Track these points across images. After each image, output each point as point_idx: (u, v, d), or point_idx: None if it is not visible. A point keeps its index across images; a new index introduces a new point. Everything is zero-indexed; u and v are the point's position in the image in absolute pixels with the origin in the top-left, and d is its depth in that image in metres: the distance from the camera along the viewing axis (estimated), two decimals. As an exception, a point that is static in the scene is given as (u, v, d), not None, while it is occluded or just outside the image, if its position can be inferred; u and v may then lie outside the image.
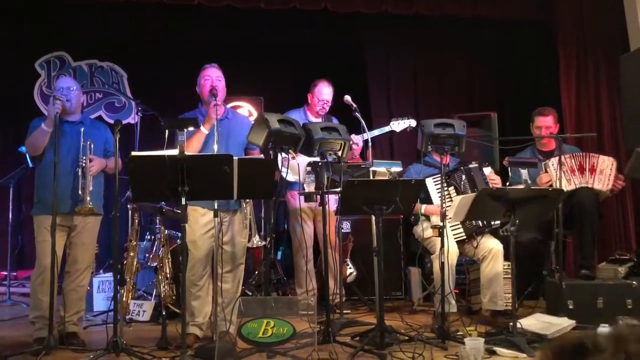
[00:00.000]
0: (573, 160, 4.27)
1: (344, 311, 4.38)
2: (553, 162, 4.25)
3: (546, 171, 4.29)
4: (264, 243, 3.78)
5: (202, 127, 3.65)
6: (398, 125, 4.80)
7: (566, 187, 4.08)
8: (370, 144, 4.51)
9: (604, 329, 3.10)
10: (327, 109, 4.71)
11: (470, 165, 4.26)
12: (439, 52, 6.49)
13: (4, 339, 3.37)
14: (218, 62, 5.90)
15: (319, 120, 4.65)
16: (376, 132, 4.77)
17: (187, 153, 3.06)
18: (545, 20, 5.83)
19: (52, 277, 3.47)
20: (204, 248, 3.69)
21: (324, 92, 4.68)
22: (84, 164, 3.69)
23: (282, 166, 3.89)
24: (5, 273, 5.64)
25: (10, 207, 5.48)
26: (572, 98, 5.57)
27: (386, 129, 4.80)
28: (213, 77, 3.81)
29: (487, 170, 4.30)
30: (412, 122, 4.79)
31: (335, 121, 4.67)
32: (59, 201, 3.53)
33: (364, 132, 4.51)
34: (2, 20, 6.21)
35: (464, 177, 4.21)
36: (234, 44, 6.37)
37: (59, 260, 3.66)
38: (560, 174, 4.07)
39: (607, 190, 4.24)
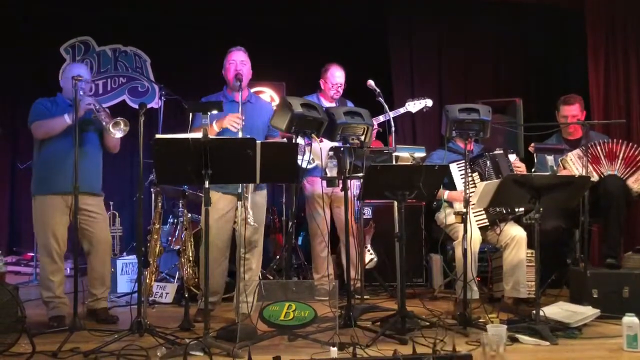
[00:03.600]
0: (599, 148, 4.17)
1: (364, 297, 4.38)
2: (571, 156, 4.17)
3: (564, 167, 4.20)
4: (254, 224, 3.76)
5: (214, 125, 3.65)
6: (414, 105, 4.75)
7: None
8: (392, 129, 4.47)
9: (629, 318, 3.06)
10: (341, 92, 4.68)
11: (495, 152, 4.20)
12: (463, 37, 6.39)
13: (30, 318, 3.43)
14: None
15: (333, 105, 4.62)
16: (391, 114, 4.72)
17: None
18: (573, 5, 5.71)
19: (75, 258, 3.55)
20: (220, 232, 3.71)
21: (337, 75, 4.65)
22: (97, 107, 3.71)
23: (300, 152, 3.87)
24: (31, 254, 5.76)
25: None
26: (601, 84, 5.46)
27: (401, 110, 4.76)
28: (238, 61, 3.83)
29: (512, 157, 4.24)
30: (429, 102, 4.75)
31: (349, 104, 4.64)
32: (64, 181, 3.59)
33: (386, 117, 4.47)
34: (27, 6, 6.27)
35: (488, 163, 4.15)
36: (255, 29, 6.36)
37: (65, 241, 3.75)
38: (585, 168, 3.97)
39: (637, 192, 4.14)
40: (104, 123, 3.67)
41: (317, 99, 4.69)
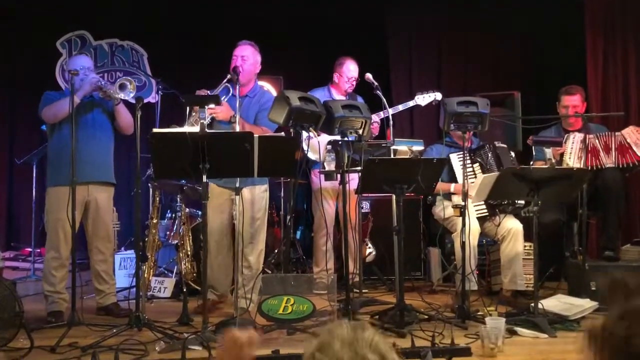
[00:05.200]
0: (598, 141, 4.18)
1: (363, 291, 4.38)
2: (575, 135, 4.17)
3: (565, 142, 4.21)
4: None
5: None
6: (423, 99, 4.72)
7: (575, 164, 4.01)
8: (391, 122, 4.46)
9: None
10: (355, 86, 4.67)
11: (497, 144, 4.21)
12: (463, 31, 6.37)
13: (28, 313, 3.43)
14: (236, 41, 5.84)
15: (344, 98, 4.60)
16: (400, 107, 4.71)
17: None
18: (573, -1, 5.70)
19: (72, 252, 3.54)
20: (213, 224, 3.70)
21: (352, 69, 4.64)
22: (103, 84, 3.70)
23: (306, 145, 3.87)
24: (29, 249, 5.75)
25: (34, 184, 5.56)
26: (599, 78, 5.44)
27: (410, 103, 4.73)
28: (239, 56, 3.84)
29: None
30: (438, 96, 4.70)
31: (360, 99, 4.63)
32: (76, 171, 3.50)
33: (385, 108, 4.46)
34: (24, 0, 6.24)
35: (490, 154, 4.16)
36: (253, 23, 6.33)
37: (74, 235, 3.71)
38: (579, 153, 3.98)
39: None
40: (111, 91, 3.62)
41: (328, 91, 4.69)
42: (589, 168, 4.02)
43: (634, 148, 4.08)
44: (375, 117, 4.50)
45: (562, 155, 4.15)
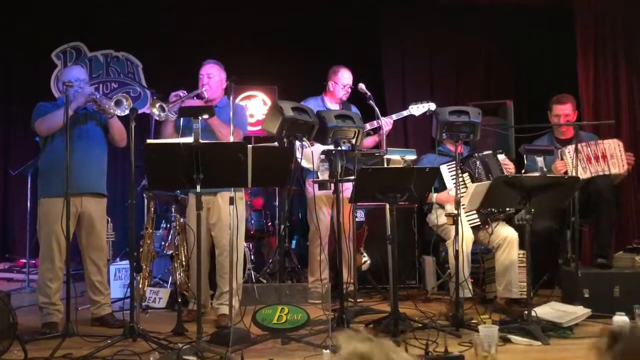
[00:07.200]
0: (589, 149, 4.22)
1: (358, 300, 4.38)
2: (569, 149, 4.21)
3: (562, 159, 4.24)
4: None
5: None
6: (417, 109, 4.75)
7: (582, 175, 4.04)
8: (384, 131, 4.49)
9: (620, 317, 3.09)
10: (349, 93, 4.70)
11: (484, 152, 4.24)
12: (455, 40, 6.42)
13: (23, 325, 3.43)
14: (231, 52, 5.89)
15: (337, 107, 4.63)
16: (394, 117, 4.74)
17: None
18: (563, 6, 5.75)
19: (67, 263, 3.54)
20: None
21: (346, 76, 4.67)
22: (97, 97, 3.70)
23: (299, 154, 3.89)
24: (24, 261, 5.73)
25: (28, 195, 5.55)
26: (590, 85, 5.50)
27: (404, 113, 4.77)
28: (205, 74, 3.94)
29: (501, 157, 4.27)
30: (432, 106, 4.74)
31: (354, 109, 4.65)
32: (70, 182, 3.49)
33: (378, 118, 4.50)
34: (18, 11, 6.26)
35: (478, 163, 4.18)
36: (248, 33, 6.37)
37: (68, 246, 3.69)
38: (576, 162, 4.03)
39: (624, 172, 4.19)
40: (106, 106, 3.63)
41: (321, 101, 4.71)
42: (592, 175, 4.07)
43: (609, 160, 4.14)
44: (389, 120, 4.53)
45: (566, 173, 4.16)
